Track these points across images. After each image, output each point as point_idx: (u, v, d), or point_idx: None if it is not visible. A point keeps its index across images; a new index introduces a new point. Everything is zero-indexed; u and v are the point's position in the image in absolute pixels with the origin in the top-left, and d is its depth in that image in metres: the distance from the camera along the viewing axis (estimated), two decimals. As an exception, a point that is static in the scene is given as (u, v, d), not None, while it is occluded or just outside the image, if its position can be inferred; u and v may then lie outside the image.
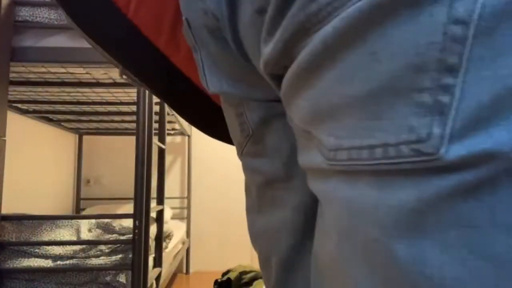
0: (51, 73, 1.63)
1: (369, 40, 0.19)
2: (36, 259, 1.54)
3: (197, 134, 3.25)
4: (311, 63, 0.22)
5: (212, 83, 0.34)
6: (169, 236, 2.16)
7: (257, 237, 0.40)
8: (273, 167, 0.36)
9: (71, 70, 1.59)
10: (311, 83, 0.23)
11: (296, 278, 0.37)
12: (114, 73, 1.64)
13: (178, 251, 2.63)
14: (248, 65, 0.32)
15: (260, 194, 0.38)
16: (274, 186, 0.37)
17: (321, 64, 0.22)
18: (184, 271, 3.14)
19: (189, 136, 3.23)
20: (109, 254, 1.58)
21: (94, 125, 2.83)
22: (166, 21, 0.41)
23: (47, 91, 1.91)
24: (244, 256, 3.18)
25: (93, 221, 1.72)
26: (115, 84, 1.76)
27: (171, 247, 2.31)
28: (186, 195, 3.23)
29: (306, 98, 0.24)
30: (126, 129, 3.00)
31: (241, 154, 0.39)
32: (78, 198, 3.08)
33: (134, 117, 2.34)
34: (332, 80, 0.22)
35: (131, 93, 1.96)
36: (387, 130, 0.19)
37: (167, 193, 3.09)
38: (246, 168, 0.39)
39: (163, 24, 0.40)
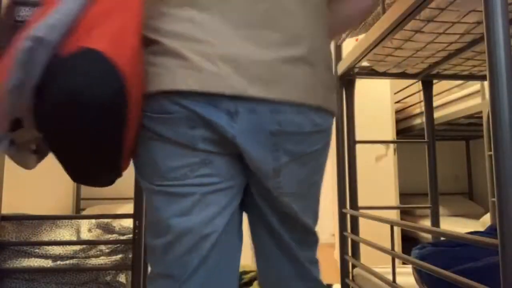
0: (51, 73, 1.63)
1: None
2: (36, 259, 1.54)
3: (197, 134, 3.24)
4: None
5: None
6: (169, 236, 2.16)
7: (182, 233, 0.62)
8: (220, 182, 0.63)
9: (71, 70, 1.59)
10: None
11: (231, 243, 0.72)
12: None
13: (178, 251, 2.62)
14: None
15: (202, 199, 0.62)
16: (217, 193, 0.63)
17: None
18: (184, 271, 3.13)
19: (189, 136, 3.22)
20: (109, 254, 1.58)
21: (94, 125, 2.82)
22: None
23: (47, 91, 1.90)
24: (244, 256, 3.17)
25: (93, 221, 1.72)
26: (115, 84, 1.76)
27: (171, 247, 2.31)
28: (186, 195, 3.22)
29: None
30: (126, 129, 2.99)
31: (185, 175, 0.61)
32: (78, 198, 3.08)
33: (134, 117, 2.33)
34: None
35: (131, 93, 1.95)
36: None
37: (167, 193, 3.08)
38: (191, 185, 0.62)
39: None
